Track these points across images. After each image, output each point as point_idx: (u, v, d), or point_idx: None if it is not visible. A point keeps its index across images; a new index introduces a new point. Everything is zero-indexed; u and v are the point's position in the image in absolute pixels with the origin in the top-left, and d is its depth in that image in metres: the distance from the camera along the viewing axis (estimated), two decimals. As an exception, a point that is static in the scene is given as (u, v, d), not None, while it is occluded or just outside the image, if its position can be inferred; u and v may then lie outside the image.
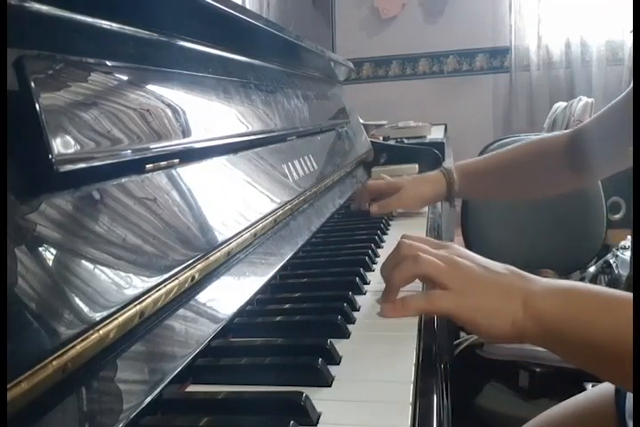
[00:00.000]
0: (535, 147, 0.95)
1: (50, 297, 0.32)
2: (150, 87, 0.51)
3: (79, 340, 0.33)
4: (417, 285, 0.56)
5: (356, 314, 0.55)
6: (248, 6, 2.08)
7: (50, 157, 0.35)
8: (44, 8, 0.37)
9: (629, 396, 0.68)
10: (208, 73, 0.65)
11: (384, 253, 0.78)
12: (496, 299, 0.48)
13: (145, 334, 0.40)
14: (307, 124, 1.00)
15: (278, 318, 0.53)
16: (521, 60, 3.34)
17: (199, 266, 0.48)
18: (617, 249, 1.51)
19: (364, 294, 0.61)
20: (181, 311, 0.45)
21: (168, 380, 0.39)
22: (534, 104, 3.34)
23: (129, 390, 0.36)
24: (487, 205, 1.57)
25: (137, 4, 0.48)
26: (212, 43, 0.66)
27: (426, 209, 1.07)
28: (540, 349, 1.13)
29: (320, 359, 0.42)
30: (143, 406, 0.36)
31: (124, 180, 0.43)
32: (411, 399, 0.40)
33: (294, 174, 0.84)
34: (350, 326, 0.52)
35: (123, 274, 0.39)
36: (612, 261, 1.48)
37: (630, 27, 2.62)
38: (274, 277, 0.64)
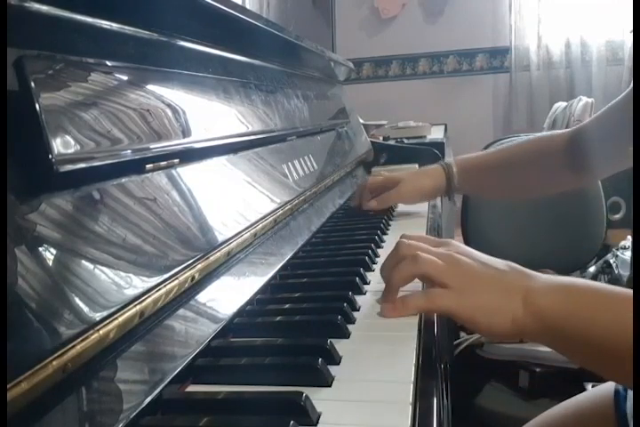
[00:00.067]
0: (535, 145, 0.95)
1: (50, 297, 0.32)
2: (150, 87, 0.51)
3: (79, 340, 0.33)
4: (417, 284, 0.56)
5: (356, 314, 0.55)
6: (248, 6, 2.08)
7: (50, 157, 0.35)
8: (44, 8, 0.37)
9: (629, 397, 0.68)
10: (208, 73, 0.65)
11: (384, 253, 0.78)
12: (496, 296, 0.48)
13: (145, 334, 0.40)
14: (307, 124, 1.00)
15: (278, 318, 0.53)
16: (521, 60, 3.34)
17: (199, 266, 0.48)
18: (617, 249, 1.51)
19: (364, 294, 0.61)
20: (181, 311, 0.45)
21: (168, 380, 0.39)
22: (534, 104, 3.34)
23: (129, 390, 0.36)
24: (487, 205, 1.57)
25: (137, 3, 0.48)
26: (211, 43, 0.66)
27: (426, 209, 1.07)
28: (540, 349, 1.14)
29: (320, 359, 0.42)
30: (143, 406, 0.36)
31: (123, 180, 0.43)
32: (411, 399, 0.40)
33: (294, 174, 0.84)
34: (350, 326, 0.52)
35: (123, 274, 0.39)
36: (611, 261, 1.48)
37: (630, 27, 2.62)
38: (274, 277, 0.64)
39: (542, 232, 1.55)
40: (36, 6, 0.37)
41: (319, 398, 0.39)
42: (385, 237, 0.87)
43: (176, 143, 0.51)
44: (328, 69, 1.36)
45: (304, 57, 1.10)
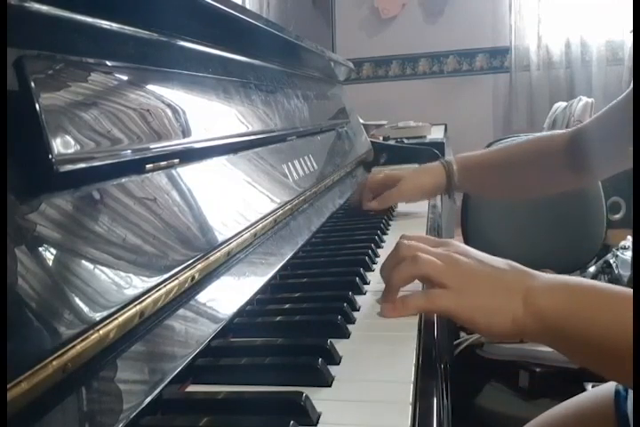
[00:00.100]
0: (536, 145, 0.95)
1: (50, 297, 0.32)
2: (150, 87, 0.51)
3: (79, 340, 0.33)
4: (417, 284, 0.56)
5: (356, 314, 0.55)
6: (248, 6, 2.08)
7: (50, 157, 0.35)
8: (44, 8, 0.37)
9: (630, 397, 0.68)
10: (208, 73, 0.65)
11: (384, 253, 0.78)
12: (495, 297, 0.48)
13: (145, 334, 0.40)
14: (307, 124, 1.00)
15: (278, 318, 0.53)
16: (521, 60, 3.34)
17: (199, 266, 0.48)
18: (617, 249, 1.51)
19: (364, 294, 0.61)
20: (181, 311, 0.45)
21: (168, 380, 0.39)
22: (534, 104, 3.34)
23: (129, 390, 0.36)
24: (487, 205, 1.57)
25: (137, 3, 0.48)
26: (211, 43, 0.66)
27: (426, 209, 1.07)
28: (540, 349, 1.14)
29: (320, 359, 0.42)
30: (143, 406, 0.36)
31: (123, 180, 0.43)
32: (411, 399, 0.40)
33: (294, 174, 0.84)
34: (350, 326, 0.52)
35: (123, 274, 0.39)
36: (612, 261, 1.47)
37: (630, 27, 2.62)
38: (274, 277, 0.64)
39: (542, 232, 1.55)
40: (36, 6, 0.37)
41: (319, 398, 0.39)
42: (385, 237, 0.87)
43: (176, 143, 0.51)
44: (328, 69, 1.36)
45: (304, 57, 1.10)
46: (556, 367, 1.12)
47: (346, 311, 0.53)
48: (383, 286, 0.57)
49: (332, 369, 0.44)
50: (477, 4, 3.38)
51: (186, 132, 0.54)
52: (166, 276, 0.43)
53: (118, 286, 0.38)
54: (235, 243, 0.56)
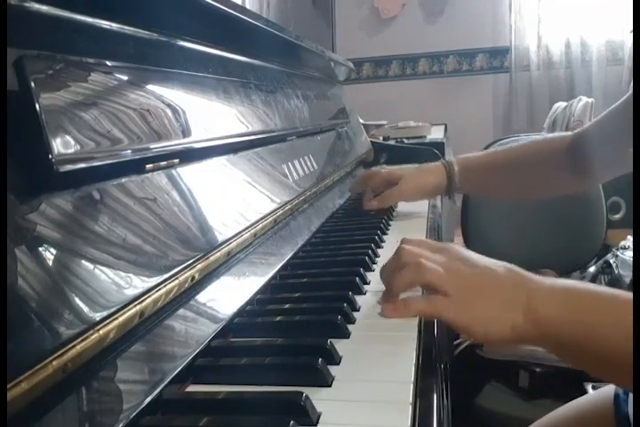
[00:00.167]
0: (537, 147, 0.95)
1: (50, 297, 0.32)
2: (150, 87, 0.51)
3: (79, 340, 0.33)
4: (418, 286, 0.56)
5: (356, 314, 0.55)
6: (248, 6, 2.08)
7: (50, 157, 0.35)
8: (44, 8, 0.37)
9: (630, 400, 0.68)
10: (208, 73, 0.65)
11: (384, 253, 0.78)
12: (495, 306, 0.47)
13: (145, 334, 0.40)
14: (307, 124, 1.00)
15: (278, 318, 0.53)
16: (521, 60, 3.34)
17: (199, 266, 0.48)
18: (617, 249, 1.51)
19: (364, 294, 0.61)
20: (181, 311, 0.45)
21: (168, 380, 0.39)
22: (534, 104, 3.34)
23: (129, 390, 0.36)
24: (487, 205, 1.57)
25: (137, 3, 0.48)
26: (211, 43, 0.66)
27: (426, 209, 1.07)
28: (540, 349, 1.14)
29: (320, 359, 0.42)
30: (143, 406, 0.36)
31: (123, 180, 0.43)
32: (411, 399, 0.40)
33: (294, 174, 0.84)
34: (350, 326, 0.52)
35: (123, 274, 0.39)
36: (612, 261, 1.47)
37: (630, 27, 2.62)
38: (274, 277, 0.64)
39: (542, 232, 1.55)
40: (36, 6, 0.37)
41: (319, 398, 0.39)
42: (385, 237, 0.87)
43: (176, 143, 0.51)
44: (328, 69, 1.36)
45: (304, 57, 1.10)
46: (556, 367, 1.12)
47: (346, 311, 0.53)
48: (383, 286, 0.57)
49: (332, 369, 0.44)
50: (477, 3, 3.39)
51: (186, 132, 0.54)
52: (166, 276, 0.43)
53: (118, 285, 0.38)
54: (235, 243, 0.56)
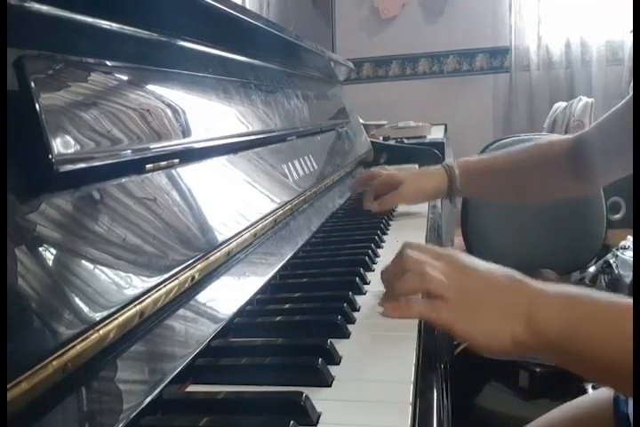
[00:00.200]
0: (538, 150, 0.94)
1: (50, 297, 0.32)
2: (150, 87, 0.51)
3: (79, 340, 0.33)
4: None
5: (355, 314, 0.55)
6: (248, 6, 2.08)
7: (50, 157, 0.35)
8: (44, 8, 0.37)
9: (630, 400, 0.68)
10: (208, 73, 0.65)
11: (384, 253, 0.78)
12: (496, 317, 0.48)
13: (145, 334, 0.40)
14: (307, 124, 1.00)
15: (278, 318, 0.53)
16: (521, 60, 3.34)
17: (199, 266, 0.48)
18: (617, 249, 1.51)
19: (364, 294, 0.61)
20: (181, 311, 0.45)
21: (168, 380, 0.39)
22: (534, 104, 3.34)
23: (129, 390, 0.36)
24: (487, 206, 1.57)
25: (137, 3, 0.48)
26: (211, 43, 0.66)
27: (426, 209, 1.07)
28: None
29: (320, 359, 0.42)
30: (143, 406, 0.36)
31: (123, 180, 0.43)
32: (411, 399, 0.40)
33: (294, 174, 0.84)
34: (350, 326, 0.52)
35: (123, 274, 0.39)
36: (611, 261, 1.48)
37: (630, 27, 2.62)
38: (274, 277, 0.64)
39: (542, 232, 1.55)
40: (36, 6, 0.37)
41: (319, 398, 0.39)
42: (385, 237, 0.87)
43: (176, 143, 0.51)
44: (328, 69, 1.36)
45: (304, 57, 1.10)
46: (556, 367, 1.11)
47: (346, 311, 0.53)
48: (383, 286, 0.57)
49: (332, 369, 0.44)
50: (477, 3, 3.38)
51: (186, 132, 0.54)
52: (166, 276, 0.43)
53: (118, 285, 0.38)
54: (235, 243, 0.56)
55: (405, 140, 1.98)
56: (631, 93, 0.76)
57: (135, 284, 0.39)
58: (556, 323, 0.46)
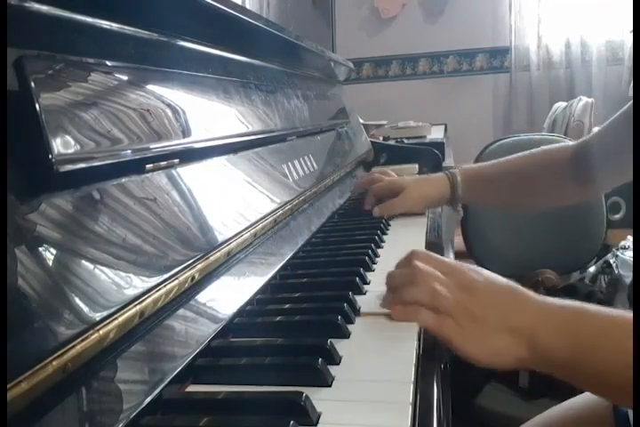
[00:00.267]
0: (541, 157, 0.94)
1: (50, 297, 0.32)
2: (150, 87, 0.51)
3: (79, 340, 0.33)
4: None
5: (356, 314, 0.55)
6: (248, 6, 2.08)
7: (50, 157, 0.35)
8: (44, 8, 0.37)
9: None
10: (208, 73, 0.65)
11: (384, 253, 0.78)
12: (502, 339, 0.48)
13: (145, 334, 0.40)
14: (307, 124, 1.00)
15: (278, 318, 0.53)
16: (521, 60, 3.34)
17: (199, 266, 0.48)
18: (617, 249, 1.50)
19: (364, 294, 0.61)
20: (181, 311, 0.45)
21: (168, 380, 0.39)
22: (534, 104, 3.34)
23: (129, 390, 0.36)
24: (487, 206, 1.57)
25: (137, 3, 0.48)
26: (212, 43, 0.66)
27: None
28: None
29: (320, 359, 0.42)
30: (143, 406, 0.36)
31: (124, 180, 0.43)
32: (411, 399, 0.40)
33: (294, 174, 0.84)
34: (350, 326, 0.52)
35: (123, 274, 0.39)
36: (611, 261, 1.47)
37: (630, 27, 2.62)
38: (274, 277, 0.64)
39: (542, 232, 1.55)
40: (36, 6, 0.37)
41: (319, 398, 0.39)
42: (385, 237, 0.87)
43: (176, 143, 0.51)
44: (328, 69, 1.36)
45: (304, 57, 1.10)
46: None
47: (346, 311, 0.53)
48: (383, 286, 0.57)
49: (332, 369, 0.44)
50: (477, 3, 3.38)
51: (186, 132, 0.54)
52: (166, 276, 0.43)
53: (118, 285, 0.38)
54: (235, 243, 0.56)
55: (405, 140, 1.98)
56: (632, 100, 0.76)
57: (135, 284, 0.39)
58: (554, 340, 0.47)
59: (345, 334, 0.50)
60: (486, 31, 3.42)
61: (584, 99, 2.37)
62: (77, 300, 0.34)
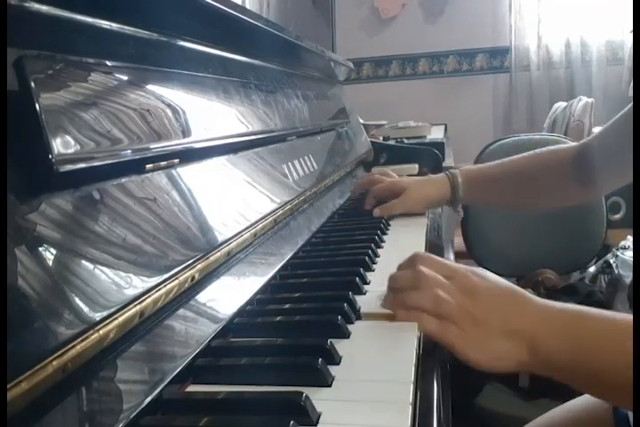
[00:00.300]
0: (543, 158, 0.94)
1: (50, 297, 0.32)
2: (150, 87, 0.51)
3: (79, 340, 0.33)
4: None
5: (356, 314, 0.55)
6: (248, 6, 2.08)
7: (50, 157, 0.35)
8: (44, 8, 0.37)
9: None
10: (208, 73, 0.65)
11: (384, 253, 0.78)
12: (503, 344, 0.49)
13: (145, 334, 0.40)
14: (307, 124, 1.00)
15: (278, 318, 0.53)
16: (521, 60, 3.34)
17: (199, 266, 0.48)
18: (617, 249, 1.50)
19: (364, 294, 0.61)
20: (181, 311, 0.45)
21: (168, 380, 0.39)
22: (534, 104, 3.34)
23: (129, 390, 0.36)
24: (487, 206, 1.57)
25: (137, 3, 0.48)
26: (211, 43, 0.66)
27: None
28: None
29: (320, 359, 0.42)
30: (143, 406, 0.36)
31: (123, 180, 0.43)
32: (411, 399, 0.40)
33: (294, 174, 0.84)
34: (350, 326, 0.52)
35: (123, 274, 0.39)
36: (612, 261, 1.47)
37: (630, 27, 2.62)
38: (274, 277, 0.64)
39: (542, 232, 1.55)
40: (36, 6, 0.37)
41: (319, 398, 0.39)
42: (385, 238, 0.87)
43: (176, 143, 0.51)
44: (328, 69, 1.36)
45: (304, 57, 1.10)
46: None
47: (346, 311, 0.53)
48: (383, 286, 0.57)
49: (332, 369, 0.44)
50: (477, 3, 3.38)
51: (186, 132, 0.54)
52: (166, 276, 0.43)
53: (118, 285, 0.38)
54: (235, 243, 0.56)
55: (405, 140, 1.98)
56: (632, 102, 0.76)
57: (135, 284, 0.39)
58: (554, 344, 0.47)
59: (345, 334, 0.50)
60: (486, 31, 3.42)
61: (584, 99, 2.37)
62: (77, 300, 0.34)
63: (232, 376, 0.44)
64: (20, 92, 0.35)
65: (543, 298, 0.52)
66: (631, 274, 1.31)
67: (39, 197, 0.35)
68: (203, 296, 0.49)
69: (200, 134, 0.57)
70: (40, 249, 0.33)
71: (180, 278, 0.44)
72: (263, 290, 0.60)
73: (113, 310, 0.36)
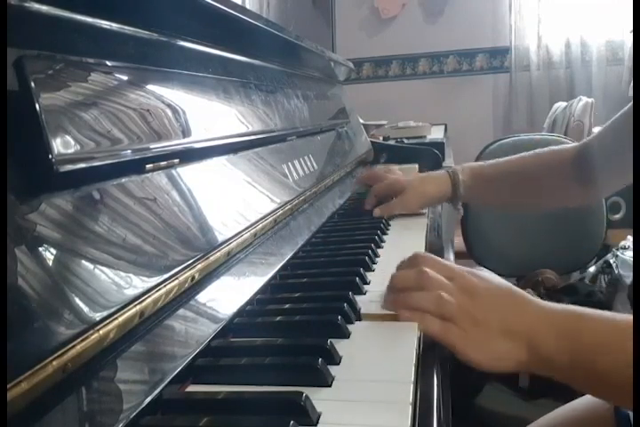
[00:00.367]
0: (544, 158, 0.94)
1: (50, 297, 0.32)
2: (150, 87, 0.51)
3: (79, 340, 0.33)
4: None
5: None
6: (248, 6, 2.08)
7: (50, 157, 0.35)
8: (44, 8, 0.37)
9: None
10: (208, 73, 0.65)
11: (384, 253, 0.78)
12: (503, 345, 0.49)
13: (145, 334, 0.40)
14: (307, 124, 1.00)
15: (278, 318, 0.53)
16: (521, 60, 3.34)
17: (199, 266, 0.48)
18: (617, 249, 1.50)
19: (364, 294, 0.61)
20: (181, 311, 0.45)
21: (168, 380, 0.39)
22: (534, 104, 3.34)
23: (129, 390, 0.36)
24: (485, 205, 1.56)
25: (137, 3, 0.48)
26: (211, 43, 0.66)
27: (426, 209, 1.07)
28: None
29: (320, 359, 0.42)
30: (143, 406, 0.36)
31: (123, 180, 0.43)
32: (411, 399, 0.40)
33: (294, 174, 0.84)
34: (350, 326, 0.52)
35: (123, 274, 0.39)
36: (612, 261, 1.47)
37: (630, 27, 2.62)
38: (274, 277, 0.64)
39: (542, 232, 1.55)
40: (36, 6, 0.37)
41: (319, 398, 0.39)
42: (385, 238, 0.87)
43: (176, 143, 0.51)
44: (328, 69, 1.36)
45: (304, 57, 1.10)
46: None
47: (346, 311, 0.53)
48: (383, 286, 0.57)
49: (332, 369, 0.44)
50: (477, 3, 3.38)
51: (186, 132, 0.54)
52: (166, 276, 0.43)
53: (118, 285, 0.38)
54: (235, 243, 0.56)
55: (405, 140, 1.98)
56: (631, 104, 0.76)
57: (135, 284, 0.39)
58: (554, 345, 0.48)
59: (345, 334, 0.50)
60: (486, 31, 3.42)
61: (584, 99, 2.37)
62: (77, 300, 0.34)
63: (232, 376, 0.44)
64: (20, 92, 0.35)
65: (543, 298, 0.52)
66: (631, 274, 1.31)
67: (39, 197, 0.35)
68: (203, 296, 0.49)
69: (200, 134, 0.57)
70: (40, 249, 0.33)
71: (180, 278, 0.44)
72: (263, 290, 0.60)
73: (113, 310, 0.36)
